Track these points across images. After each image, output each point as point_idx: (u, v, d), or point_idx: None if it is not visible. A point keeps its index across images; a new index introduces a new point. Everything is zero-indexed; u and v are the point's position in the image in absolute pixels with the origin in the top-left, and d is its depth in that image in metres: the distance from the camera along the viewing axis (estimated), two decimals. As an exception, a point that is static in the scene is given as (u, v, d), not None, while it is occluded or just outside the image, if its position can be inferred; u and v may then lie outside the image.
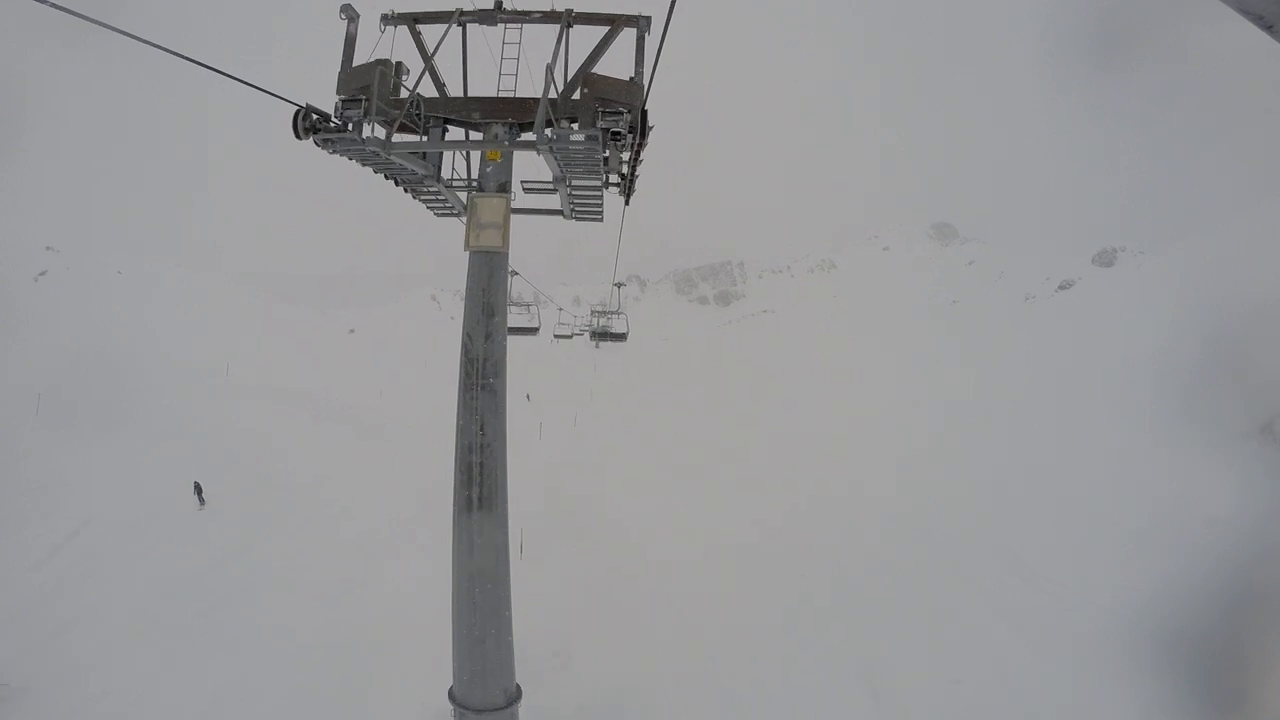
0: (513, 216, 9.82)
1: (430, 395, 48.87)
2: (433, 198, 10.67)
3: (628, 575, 24.32)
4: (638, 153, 8.69)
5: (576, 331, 36.25)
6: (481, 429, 8.29)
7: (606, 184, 9.86)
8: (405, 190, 10.40)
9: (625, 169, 9.34)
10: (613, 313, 26.85)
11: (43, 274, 67.50)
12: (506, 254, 8.88)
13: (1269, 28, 2.41)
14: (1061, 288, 72.45)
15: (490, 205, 8.71)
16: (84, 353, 44.98)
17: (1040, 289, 76.50)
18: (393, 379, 62.22)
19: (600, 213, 11.23)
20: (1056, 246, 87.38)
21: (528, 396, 58.97)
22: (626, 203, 10.78)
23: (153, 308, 66.81)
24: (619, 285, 27.90)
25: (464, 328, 8.60)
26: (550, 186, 10.17)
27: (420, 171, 9.33)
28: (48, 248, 71.93)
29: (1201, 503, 29.09)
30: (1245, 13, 2.44)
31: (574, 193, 10.09)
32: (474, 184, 10.11)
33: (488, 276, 8.66)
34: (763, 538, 28.48)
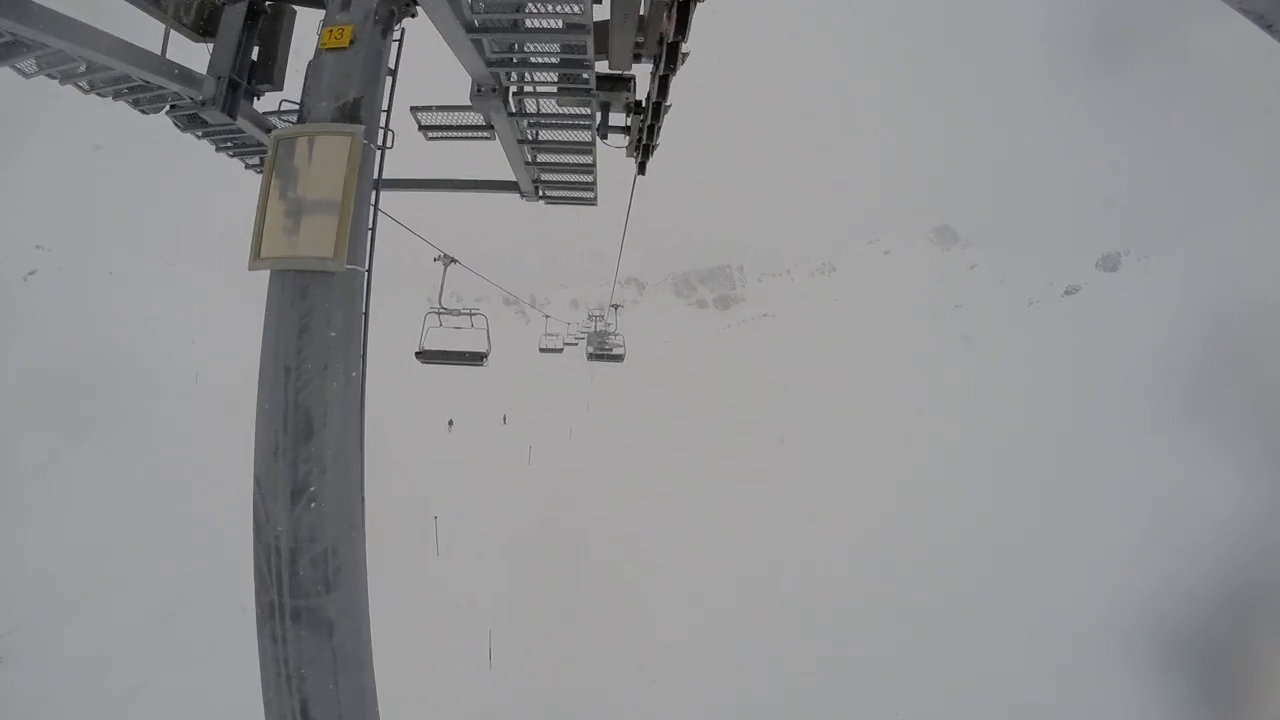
0: (397, 194, 5.45)
1: (428, 411, 47.58)
2: (225, 137, 5.88)
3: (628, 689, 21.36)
4: (679, 38, 4.26)
5: (569, 341, 34.69)
6: (303, 709, 3.33)
7: (603, 127, 5.40)
8: (200, 136, 5.79)
9: (649, 90, 4.95)
10: (611, 334, 26.32)
11: (32, 273, 66.54)
12: (363, 276, 3.86)
13: (1269, 27, 2.48)
14: (1068, 293, 71.95)
15: (317, 155, 3.70)
16: (59, 358, 43.86)
17: (1044, 294, 76.09)
18: (384, 391, 60.78)
19: (591, 187, 6.49)
20: (1057, 249, 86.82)
21: (504, 419, 56.40)
22: (641, 169, 6.09)
23: (139, 309, 65.75)
24: (616, 307, 27.81)
25: (254, 469, 3.54)
26: (479, 125, 5.65)
27: (171, 87, 4.76)
28: (37, 246, 70.82)
29: (1201, 504, 29.07)
30: (1246, 12, 2.48)
31: (537, 137, 5.55)
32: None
33: (297, 334, 3.59)
34: (772, 598, 26.15)
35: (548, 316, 33.22)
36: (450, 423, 52.43)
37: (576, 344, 34.63)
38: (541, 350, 31.66)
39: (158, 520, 26.53)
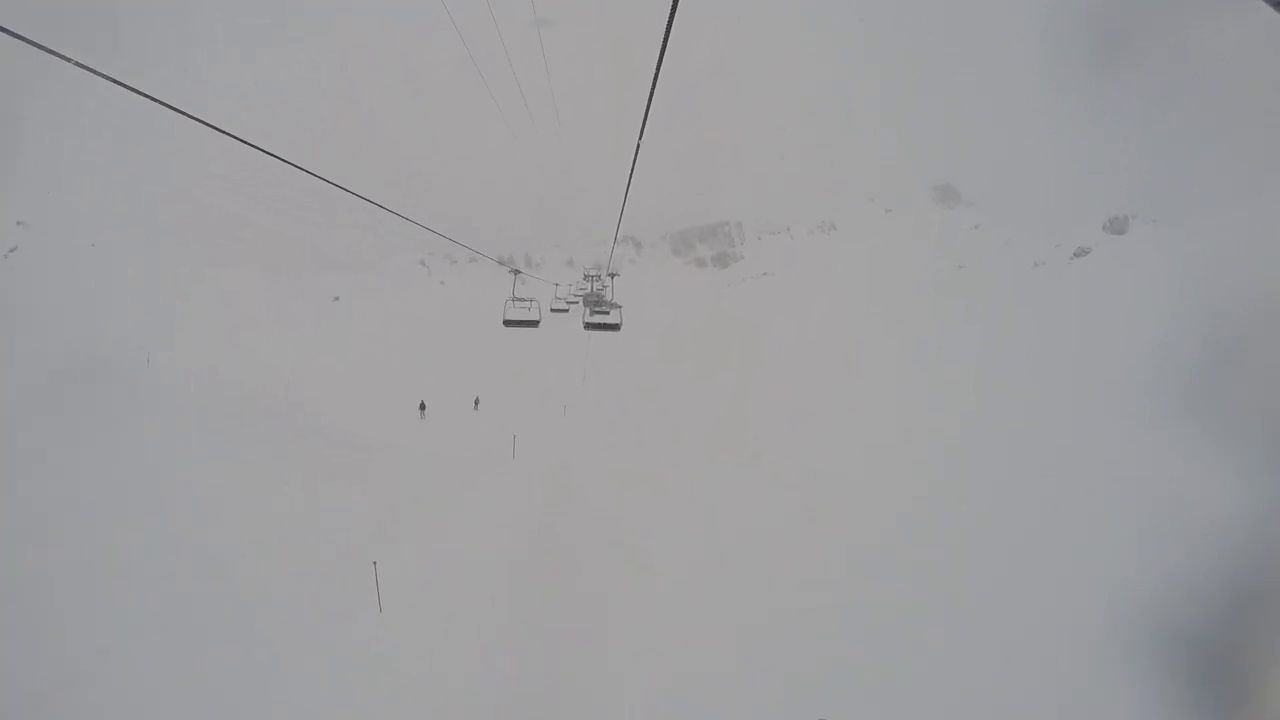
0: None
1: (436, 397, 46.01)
2: None
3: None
4: None
5: (559, 307, 31.92)
6: None
7: None
8: None
9: None
10: (608, 303, 24.94)
11: (12, 250, 65.48)
12: None
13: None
14: (1077, 255, 70.83)
15: None
16: (39, 337, 42.71)
17: (1050, 255, 75.07)
18: (382, 369, 58.97)
19: None
20: (1064, 212, 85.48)
21: (476, 403, 51.70)
22: None
23: (114, 284, 64.37)
24: (614, 275, 26.49)
25: None
26: None
27: None
28: (19, 222, 69.37)
29: (1202, 502, 28.67)
30: None
31: None
32: None
33: None
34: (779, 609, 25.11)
35: (516, 272, 25.35)
36: (422, 406, 47.84)
37: (568, 310, 31.72)
38: (507, 323, 24.06)
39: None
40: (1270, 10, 2.63)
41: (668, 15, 4.87)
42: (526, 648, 21.08)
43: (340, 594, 22.50)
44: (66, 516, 25.63)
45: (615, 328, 24.20)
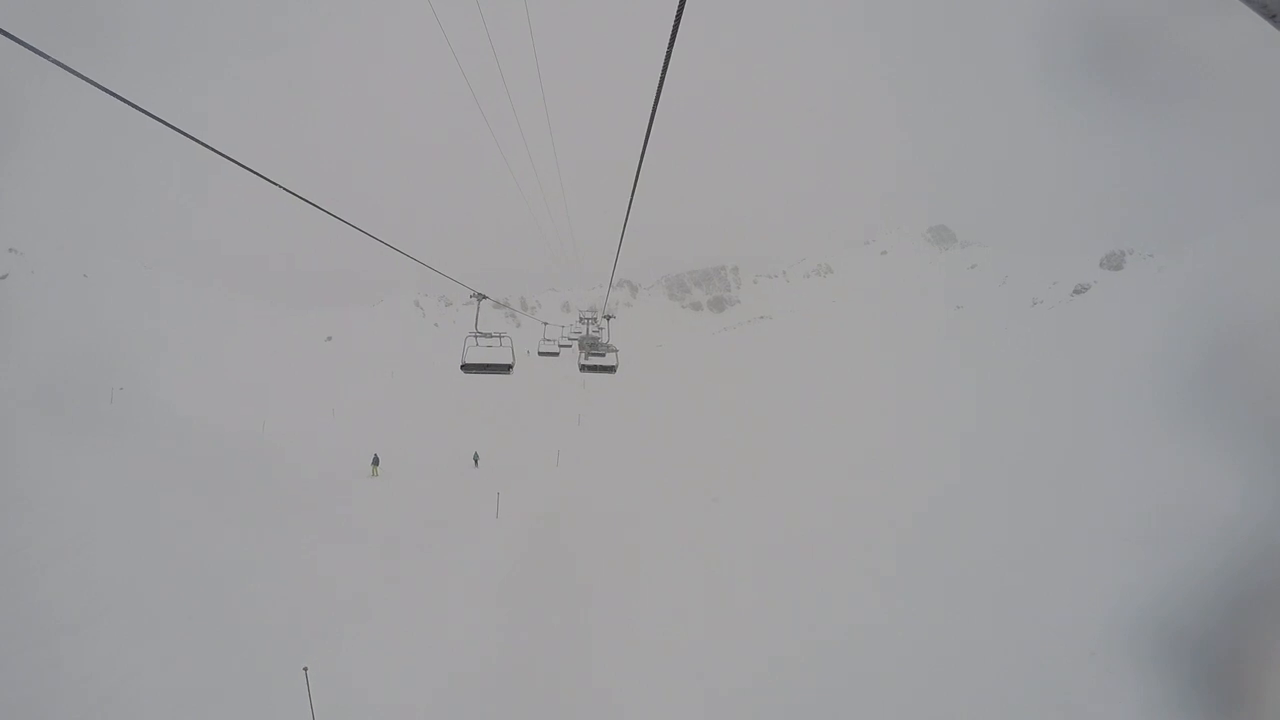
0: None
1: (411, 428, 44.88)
2: None
3: None
4: None
5: (548, 349, 29.70)
6: None
7: None
8: None
9: None
10: (603, 345, 24.63)
11: (3, 277, 65.75)
12: None
13: (1272, 16, 2.37)
14: (1076, 292, 71.06)
15: None
16: (27, 362, 42.22)
17: (1048, 294, 75.52)
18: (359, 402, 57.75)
19: None
20: (1058, 249, 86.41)
21: (475, 459, 45.80)
22: None
23: (108, 315, 64.28)
24: (609, 318, 26.16)
25: None
26: None
27: None
28: (11, 250, 69.89)
29: (1207, 504, 28.44)
30: (1248, 1, 2.33)
31: None
32: None
33: None
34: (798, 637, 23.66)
35: (482, 297, 18.48)
36: (375, 461, 40.14)
37: (559, 353, 30.60)
38: (466, 368, 18.28)
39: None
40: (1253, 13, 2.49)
41: (667, 44, 4.70)
42: (526, 647, 20.27)
43: (339, 593, 21.81)
44: (65, 520, 24.92)
45: (611, 369, 23.95)
